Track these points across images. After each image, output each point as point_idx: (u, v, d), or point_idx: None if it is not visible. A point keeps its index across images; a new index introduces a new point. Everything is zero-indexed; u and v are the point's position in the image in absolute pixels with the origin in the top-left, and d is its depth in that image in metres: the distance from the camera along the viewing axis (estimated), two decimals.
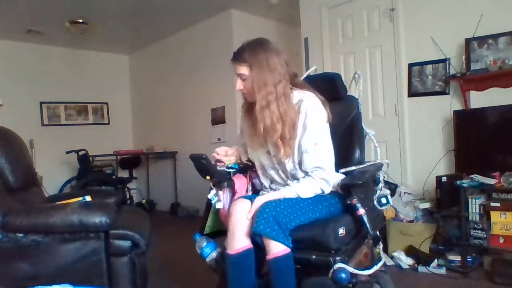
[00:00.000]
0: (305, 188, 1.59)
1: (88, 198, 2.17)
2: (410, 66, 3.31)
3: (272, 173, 1.76)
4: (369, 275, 1.63)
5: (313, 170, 1.59)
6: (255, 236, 1.47)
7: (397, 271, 2.74)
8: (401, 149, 3.38)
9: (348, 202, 1.59)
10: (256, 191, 1.88)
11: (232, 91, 4.80)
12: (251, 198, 1.61)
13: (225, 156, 1.78)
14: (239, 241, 1.51)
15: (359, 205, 1.54)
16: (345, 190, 1.62)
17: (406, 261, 2.80)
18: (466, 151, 2.86)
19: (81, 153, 5.39)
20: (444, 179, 2.75)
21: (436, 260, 2.72)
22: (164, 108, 6.08)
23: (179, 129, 5.80)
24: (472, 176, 2.63)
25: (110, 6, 4.56)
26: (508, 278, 2.34)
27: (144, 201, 6.02)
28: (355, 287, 1.57)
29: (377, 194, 1.74)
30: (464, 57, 2.94)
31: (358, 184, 1.57)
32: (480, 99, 2.88)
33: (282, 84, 1.60)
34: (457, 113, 2.92)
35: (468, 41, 2.92)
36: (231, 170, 1.79)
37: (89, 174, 5.34)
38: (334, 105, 1.94)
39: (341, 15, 3.79)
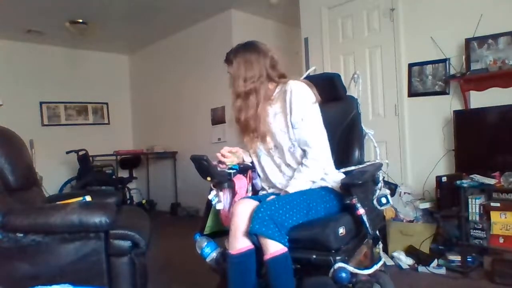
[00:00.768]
0: (303, 181, 1.66)
1: (88, 198, 2.17)
2: (410, 66, 3.31)
3: (266, 160, 1.81)
4: (369, 275, 1.63)
5: (302, 154, 1.69)
6: (251, 237, 1.48)
7: (397, 271, 2.74)
8: (401, 149, 3.38)
9: (348, 201, 1.59)
10: (256, 192, 1.89)
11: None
12: (254, 199, 1.63)
13: (230, 153, 1.81)
14: (240, 241, 1.52)
15: (358, 204, 1.55)
16: (345, 190, 1.63)
17: (406, 261, 2.80)
18: (466, 151, 2.86)
19: (81, 153, 5.39)
20: (444, 179, 2.75)
21: (436, 260, 2.72)
22: (164, 108, 6.08)
23: (179, 129, 5.80)
24: (472, 176, 2.63)
25: (110, 6, 4.56)
26: (508, 278, 2.34)
27: (144, 201, 6.02)
28: (355, 287, 1.57)
29: (377, 194, 1.74)
30: (464, 57, 2.94)
31: (358, 184, 1.57)
32: (480, 99, 2.88)
33: (260, 80, 1.73)
34: (457, 113, 2.92)
35: (468, 41, 2.92)
36: (232, 171, 1.79)
37: (89, 174, 5.33)
38: (333, 105, 1.99)
39: (341, 15, 3.79)
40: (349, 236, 1.58)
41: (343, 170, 1.83)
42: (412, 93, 3.31)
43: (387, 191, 1.76)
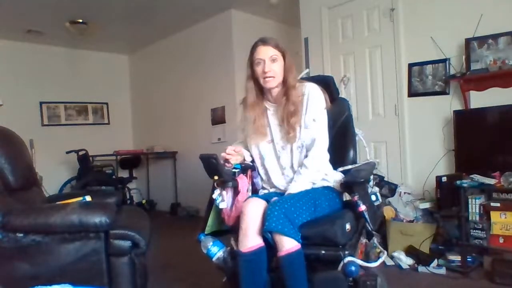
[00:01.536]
0: (303, 182, 1.71)
1: (88, 198, 2.17)
2: (410, 66, 3.31)
3: (270, 162, 1.83)
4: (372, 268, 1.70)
5: (305, 159, 1.74)
6: (266, 234, 1.51)
7: (397, 271, 2.74)
8: (401, 149, 3.38)
9: (346, 199, 1.67)
10: (255, 191, 1.90)
11: (232, 91, 4.80)
12: (262, 198, 1.67)
13: (235, 152, 1.82)
14: (252, 239, 1.54)
15: (360, 202, 1.61)
16: (346, 188, 1.70)
17: (406, 261, 2.80)
18: (466, 151, 2.86)
19: (81, 153, 5.39)
20: (444, 179, 2.75)
21: (436, 260, 2.72)
22: (164, 108, 6.08)
23: (179, 129, 5.80)
24: (472, 176, 2.63)
25: (110, 6, 4.56)
26: (508, 278, 2.34)
27: (144, 201, 6.02)
28: (360, 280, 1.60)
29: (369, 192, 1.81)
30: (464, 57, 2.94)
31: (360, 182, 1.65)
32: (480, 99, 2.88)
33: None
34: (457, 113, 2.92)
35: (468, 41, 2.92)
36: (236, 170, 1.81)
37: (89, 174, 5.33)
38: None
39: (341, 15, 3.79)
40: (352, 232, 1.66)
41: (340, 169, 1.88)
42: (412, 93, 3.31)
43: (377, 189, 1.86)
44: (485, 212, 2.57)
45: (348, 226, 1.60)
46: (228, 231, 1.81)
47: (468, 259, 2.61)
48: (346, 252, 1.54)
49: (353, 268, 1.52)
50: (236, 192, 1.77)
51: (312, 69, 3.99)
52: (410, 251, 2.86)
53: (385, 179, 3.39)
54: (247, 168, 1.88)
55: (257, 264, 1.55)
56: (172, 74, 5.88)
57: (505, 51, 2.78)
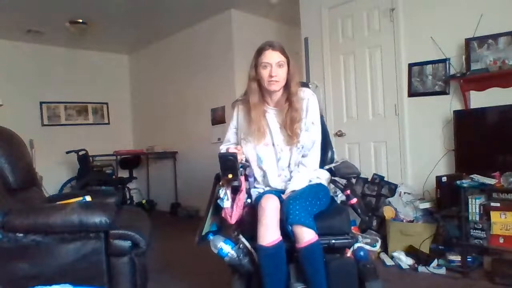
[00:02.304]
0: (302, 180, 1.83)
1: (88, 198, 2.17)
2: (410, 66, 3.31)
3: (268, 164, 1.90)
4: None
5: (302, 158, 1.87)
6: (287, 227, 1.62)
7: (397, 271, 2.74)
8: (401, 149, 3.38)
9: (334, 194, 1.88)
10: (248, 190, 1.96)
11: (232, 90, 4.80)
12: (275, 194, 1.77)
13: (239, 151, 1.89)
14: (273, 233, 1.63)
15: (352, 195, 1.83)
16: (336, 182, 1.95)
17: (406, 261, 2.80)
18: (466, 151, 2.86)
19: (81, 153, 5.39)
20: (444, 179, 2.75)
21: (436, 260, 2.72)
22: (164, 108, 6.08)
23: (179, 129, 5.80)
24: (472, 176, 2.63)
25: (110, 6, 4.56)
26: (508, 278, 2.34)
27: (144, 201, 6.02)
28: (360, 264, 1.75)
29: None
30: (464, 57, 2.94)
31: (353, 177, 1.92)
32: (480, 99, 2.88)
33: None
34: (457, 113, 2.92)
35: (468, 41, 2.92)
36: (241, 169, 1.85)
37: (89, 174, 5.33)
38: None
39: (341, 15, 3.79)
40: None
41: (327, 167, 2.04)
42: (412, 93, 3.31)
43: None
44: (485, 212, 2.57)
45: (350, 217, 1.78)
46: (214, 231, 1.89)
47: (468, 259, 2.61)
48: (355, 239, 1.74)
49: (361, 253, 1.75)
50: (236, 191, 1.81)
51: (312, 69, 4.00)
52: (410, 251, 2.86)
53: (385, 179, 3.39)
54: (245, 168, 1.93)
55: (280, 256, 1.64)
56: (172, 74, 5.88)
57: (505, 51, 2.78)
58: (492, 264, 2.50)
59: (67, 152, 5.38)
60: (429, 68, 3.20)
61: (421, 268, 2.70)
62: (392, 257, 2.90)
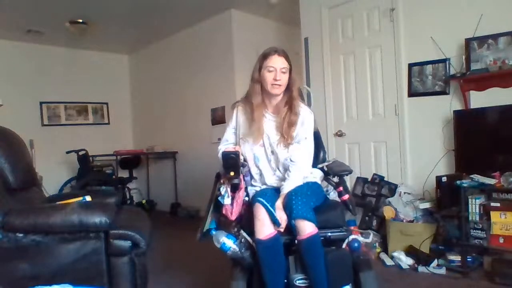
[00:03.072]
0: (297, 179, 1.91)
1: (88, 198, 2.17)
2: (410, 66, 3.31)
3: (264, 163, 1.99)
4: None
5: (293, 163, 1.92)
6: (290, 221, 1.72)
7: (397, 271, 2.74)
8: (401, 149, 3.38)
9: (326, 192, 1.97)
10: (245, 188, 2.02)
11: (232, 90, 4.80)
12: (271, 191, 1.89)
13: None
14: (267, 228, 1.73)
15: (344, 192, 1.91)
16: (329, 180, 2.05)
17: (406, 261, 2.80)
18: (466, 151, 2.86)
19: (81, 153, 5.39)
20: (444, 179, 2.75)
21: (436, 260, 2.73)
22: (164, 108, 6.08)
23: (179, 129, 5.80)
24: (472, 176, 2.63)
25: (110, 6, 4.56)
26: (508, 278, 2.34)
27: (144, 201, 6.02)
28: (354, 255, 1.84)
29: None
30: (464, 57, 2.94)
31: (346, 174, 1.99)
32: (480, 99, 2.88)
33: None
34: (457, 113, 2.92)
35: (468, 41, 2.92)
36: (242, 168, 1.93)
37: (89, 174, 5.33)
38: None
39: (341, 15, 3.78)
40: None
41: (320, 166, 2.16)
42: (412, 93, 3.31)
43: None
44: (485, 212, 2.57)
45: (345, 211, 1.90)
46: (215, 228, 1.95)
47: (468, 259, 2.61)
48: (349, 232, 1.87)
49: (356, 244, 1.83)
50: (235, 188, 1.88)
51: (312, 69, 4.00)
52: (410, 251, 2.86)
53: (385, 179, 3.39)
54: (243, 167, 1.98)
55: (277, 248, 1.74)
56: (172, 74, 5.88)
57: (505, 51, 2.78)
58: (492, 264, 2.50)
59: (67, 152, 5.38)
60: (429, 68, 3.20)
61: (421, 268, 2.70)
62: (392, 257, 2.90)
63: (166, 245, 3.54)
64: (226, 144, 2.06)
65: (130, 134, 6.81)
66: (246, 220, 1.86)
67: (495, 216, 2.51)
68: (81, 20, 4.87)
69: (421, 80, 3.25)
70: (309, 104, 2.38)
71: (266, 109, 2.01)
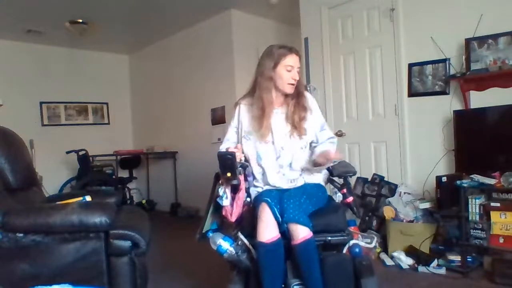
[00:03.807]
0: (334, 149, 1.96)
1: (88, 198, 2.17)
2: (410, 66, 3.31)
3: (268, 161, 1.94)
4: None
5: (328, 140, 2.00)
6: (283, 225, 1.68)
7: (397, 271, 2.74)
8: (401, 149, 3.38)
9: (334, 193, 1.93)
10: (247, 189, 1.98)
11: (232, 90, 4.80)
12: (275, 193, 1.84)
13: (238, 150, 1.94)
14: (272, 231, 1.68)
15: (348, 194, 1.87)
16: (333, 182, 2.02)
17: (406, 261, 2.80)
18: (466, 151, 2.86)
19: (81, 153, 5.39)
20: (444, 179, 2.75)
21: (436, 260, 2.72)
22: (164, 108, 6.08)
23: (179, 129, 5.80)
24: (472, 176, 2.63)
25: (110, 6, 4.56)
26: (508, 278, 2.34)
27: (144, 201, 6.02)
28: (356, 260, 1.79)
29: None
30: (464, 57, 2.94)
31: (350, 176, 1.94)
32: (480, 99, 2.88)
33: None
34: (457, 113, 2.92)
35: (468, 41, 2.92)
36: (240, 169, 1.88)
37: (89, 174, 5.33)
38: None
39: (341, 15, 3.78)
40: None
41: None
42: (412, 93, 3.31)
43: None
44: (485, 212, 2.57)
45: (346, 215, 1.87)
46: (214, 229, 1.93)
47: (468, 259, 2.61)
48: (350, 236, 1.81)
49: (357, 249, 1.78)
50: (235, 189, 1.85)
51: (312, 69, 4.00)
52: (410, 251, 2.86)
53: (385, 179, 3.39)
54: (244, 167, 1.95)
55: (279, 253, 1.69)
56: (172, 74, 5.88)
57: (505, 51, 2.77)
58: (492, 264, 2.49)
59: (67, 152, 5.38)
60: (429, 68, 3.20)
61: (421, 268, 2.70)
62: (392, 257, 2.90)
63: (166, 245, 3.54)
64: (228, 144, 2.03)
65: (130, 134, 6.81)
66: (247, 222, 1.83)
67: (495, 216, 2.51)
68: (81, 20, 4.88)
69: (421, 80, 3.25)
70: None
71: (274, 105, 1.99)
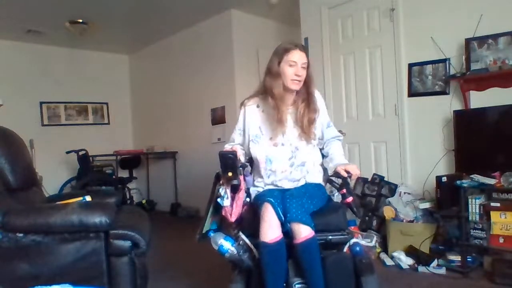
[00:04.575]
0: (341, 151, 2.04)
1: (88, 198, 2.17)
2: (410, 66, 3.31)
3: (279, 164, 1.92)
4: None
5: (335, 138, 2.06)
6: (285, 224, 1.68)
7: (397, 271, 2.74)
8: (401, 149, 3.38)
9: (331, 193, 1.90)
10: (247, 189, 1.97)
11: (232, 91, 4.80)
12: (276, 193, 1.83)
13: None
14: (275, 231, 1.68)
15: (348, 194, 1.87)
16: (333, 182, 1.99)
17: (406, 261, 2.80)
18: (466, 151, 2.86)
19: (81, 153, 5.39)
20: (444, 179, 2.75)
21: (436, 260, 2.72)
22: (164, 108, 6.08)
23: (179, 129, 5.80)
24: (472, 176, 2.63)
25: (110, 6, 4.56)
26: (508, 278, 2.34)
27: (144, 201, 6.02)
28: (356, 259, 1.79)
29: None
30: (464, 57, 2.94)
31: (350, 176, 1.92)
32: (480, 99, 2.88)
33: None
34: (457, 113, 2.92)
35: (468, 41, 2.92)
36: (240, 169, 1.87)
37: (89, 174, 5.33)
38: None
39: (341, 15, 3.79)
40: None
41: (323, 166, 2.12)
42: (412, 93, 3.31)
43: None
44: (485, 212, 2.57)
45: (347, 215, 1.88)
46: (214, 229, 1.92)
47: (468, 259, 2.61)
48: (350, 235, 1.83)
49: (357, 248, 1.79)
50: (236, 189, 1.84)
51: (312, 69, 3.99)
52: (410, 251, 2.86)
53: (385, 179, 3.39)
54: (243, 167, 1.94)
55: (281, 252, 1.70)
56: (172, 74, 5.88)
57: (505, 51, 2.78)
58: (492, 264, 2.50)
59: (67, 152, 5.38)
60: (429, 68, 3.20)
61: (421, 268, 2.70)
62: (392, 257, 2.90)
63: (166, 245, 3.54)
64: (232, 145, 2.02)
65: (130, 134, 6.81)
66: (247, 222, 1.82)
67: (495, 216, 2.51)
68: (81, 20, 4.87)
69: (421, 80, 3.25)
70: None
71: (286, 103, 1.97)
